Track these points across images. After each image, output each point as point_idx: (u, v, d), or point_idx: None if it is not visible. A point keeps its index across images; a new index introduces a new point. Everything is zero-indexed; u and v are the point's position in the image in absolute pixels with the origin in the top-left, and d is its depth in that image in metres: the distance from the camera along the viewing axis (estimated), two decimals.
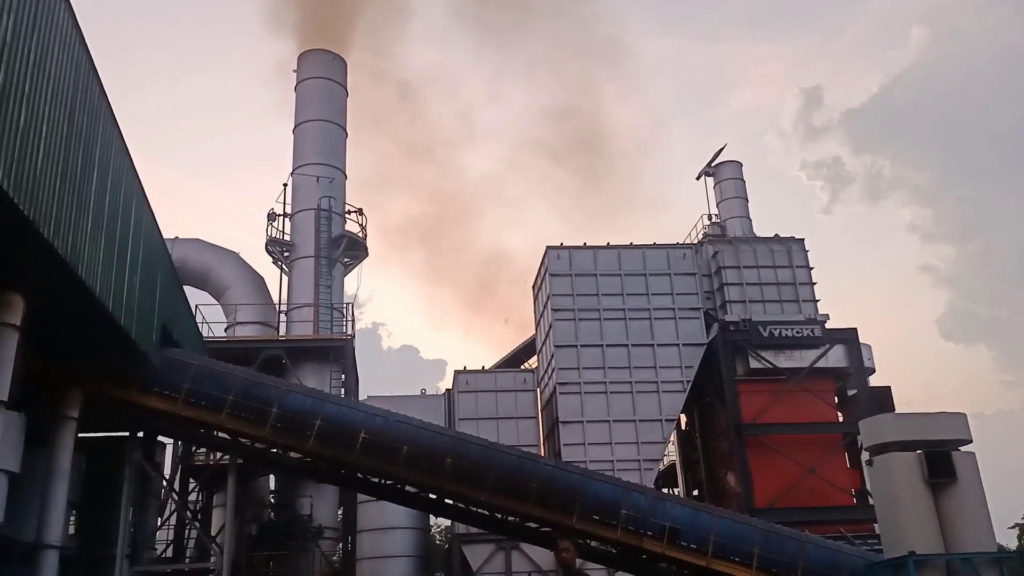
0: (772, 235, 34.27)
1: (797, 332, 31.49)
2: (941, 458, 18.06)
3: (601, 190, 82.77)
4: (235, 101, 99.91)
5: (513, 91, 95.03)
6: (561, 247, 33.10)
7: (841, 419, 31.74)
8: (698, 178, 38.52)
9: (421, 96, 78.60)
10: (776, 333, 31.37)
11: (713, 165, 38.03)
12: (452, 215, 79.80)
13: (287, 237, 32.85)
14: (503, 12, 66.90)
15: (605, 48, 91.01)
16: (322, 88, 34.90)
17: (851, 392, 32.27)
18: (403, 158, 69.22)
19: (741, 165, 37.90)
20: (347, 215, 33.57)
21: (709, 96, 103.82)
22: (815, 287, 33.23)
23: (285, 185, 33.71)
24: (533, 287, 36.15)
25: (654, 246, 33.40)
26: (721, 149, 37.99)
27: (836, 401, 32.32)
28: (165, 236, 20.08)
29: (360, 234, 33.36)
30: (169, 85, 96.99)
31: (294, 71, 35.66)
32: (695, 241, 35.45)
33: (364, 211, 33.87)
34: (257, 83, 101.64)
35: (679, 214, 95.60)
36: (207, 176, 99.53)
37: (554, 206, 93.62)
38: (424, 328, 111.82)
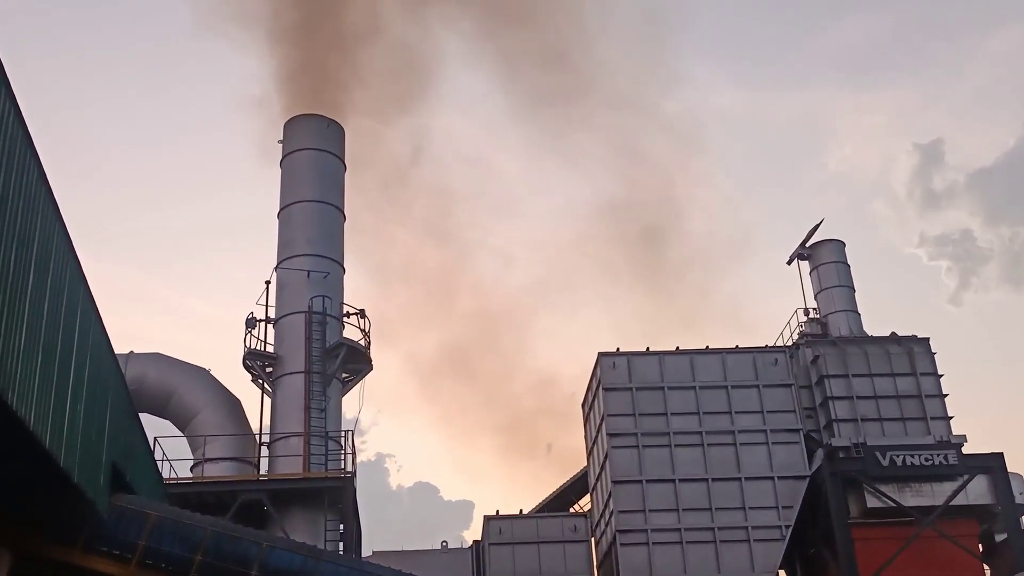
0: (888, 333, 34.17)
1: (926, 459, 31.04)
2: None
3: (665, 290, 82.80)
4: (206, 178, 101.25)
5: (552, 169, 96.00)
6: (617, 353, 33.09)
7: (988, 572, 31.19)
8: (789, 263, 38.63)
9: (438, 175, 79.61)
10: (899, 461, 30.91)
11: (808, 246, 38.12)
12: (479, 329, 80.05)
13: (270, 348, 32.93)
14: (538, 71, 67.37)
15: (663, 101, 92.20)
16: (314, 161, 35.38)
17: (999, 537, 31.80)
18: (416, 253, 69.66)
19: (843, 245, 37.98)
20: (345, 319, 33.62)
21: (797, 159, 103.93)
22: (946, 400, 32.89)
23: (268, 283, 34.00)
24: (583, 406, 35.88)
25: (737, 350, 33.24)
26: (817, 226, 38.14)
27: (980, 549, 31.75)
28: (117, 351, 20.12)
29: (362, 342, 33.31)
30: (121, 158, 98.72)
31: (279, 142, 36.28)
32: (789, 343, 35.29)
33: (366, 312, 33.94)
34: (237, 155, 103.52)
35: (767, 309, 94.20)
36: (168, 273, 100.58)
37: (607, 312, 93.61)
38: (445, 460, 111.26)
